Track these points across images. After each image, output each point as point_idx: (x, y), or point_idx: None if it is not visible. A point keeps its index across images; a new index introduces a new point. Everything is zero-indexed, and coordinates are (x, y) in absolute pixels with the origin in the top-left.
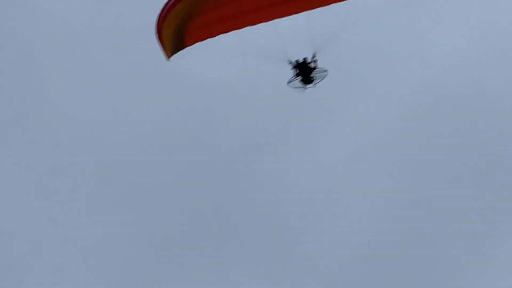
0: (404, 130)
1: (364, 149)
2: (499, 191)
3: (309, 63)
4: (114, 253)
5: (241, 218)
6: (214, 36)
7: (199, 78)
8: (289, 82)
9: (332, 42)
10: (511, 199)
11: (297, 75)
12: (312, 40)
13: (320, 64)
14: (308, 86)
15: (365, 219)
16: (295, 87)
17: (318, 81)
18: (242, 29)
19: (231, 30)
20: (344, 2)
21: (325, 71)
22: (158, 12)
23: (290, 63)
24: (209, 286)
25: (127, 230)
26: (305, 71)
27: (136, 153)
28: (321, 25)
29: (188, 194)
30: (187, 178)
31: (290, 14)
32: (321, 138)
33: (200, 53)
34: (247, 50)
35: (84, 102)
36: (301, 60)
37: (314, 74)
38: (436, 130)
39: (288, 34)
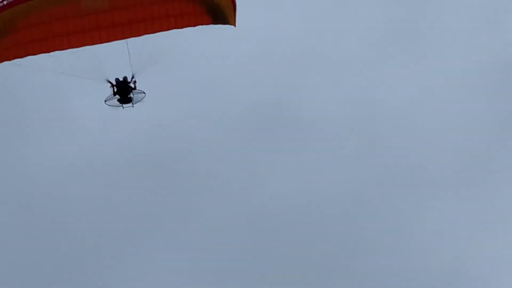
0: None
1: None
2: None
3: (129, 82)
4: None
5: None
6: (23, 56)
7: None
8: (106, 100)
9: (152, 66)
10: None
11: (115, 93)
12: (132, 62)
13: (139, 87)
14: (126, 105)
15: None
16: (112, 105)
17: (136, 101)
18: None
19: (40, 53)
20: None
21: (143, 93)
22: None
23: (109, 81)
24: None
25: None
26: (123, 90)
27: None
28: (141, 49)
29: None
30: None
31: (99, 43)
32: None
33: (16, 70)
34: (64, 68)
35: None
36: (121, 78)
37: (132, 94)
38: None
39: (108, 54)
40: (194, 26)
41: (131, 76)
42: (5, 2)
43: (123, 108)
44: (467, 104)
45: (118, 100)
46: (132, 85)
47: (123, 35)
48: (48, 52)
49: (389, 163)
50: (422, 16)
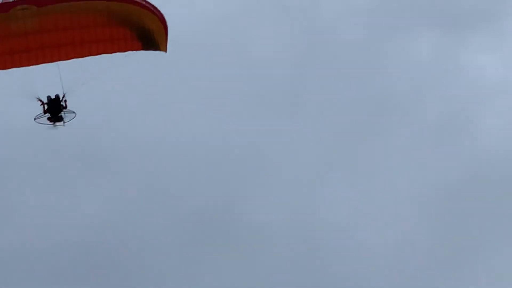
0: None
1: None
2: None
3: (60, 101)
4: None
5: None
6: None
7: None
8: (36, 118)
9: (83, 87)
10: None
11: (46, 112)
12: (63, 82)
13: (70, 106)
14: (57, 124)
15: None
16: (43, 124)
17: (66, 120)
18: None
19: None
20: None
21: (74, 112)
22: None
23: (39, 100)
24: None
25: None
26: (55, 109)
27: None
28: (72, 70)
29: None
30: None
31: (27, 65)
32: None
33: None
34: None
35: None
36: (53, 96)
37: (63, 113)
38: None
39: (39, 73)
40: (125, 51)
41: (62, 95)
42: None
43: (54, 126)
44: (406, 227)
45: (49, 119)
46: (63, 103)
47: (52, 58)
48: None
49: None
50: (369, 136)
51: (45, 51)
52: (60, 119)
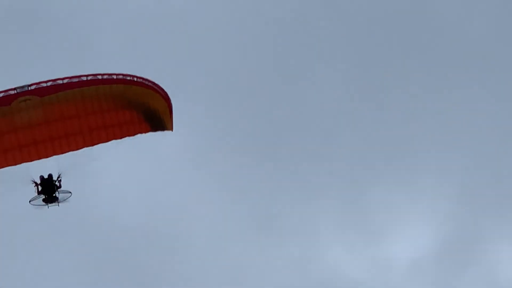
0: None
1: None
2: None
3: (54, 181)
4: None
5: None
6: None
7: None
8: (31, 201)
9: (77, 169)
10: None
11: (39, 192)
12: (58, 163)
13: (64, 186)
14: (51, 204)
15: None
16: (38, 205)
17: (61, 201)
18: None
19: None
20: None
21: (69, 192)
22: None
23: (33, 181)
24: None
25: None
26: (49, 189)
27: None
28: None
29: None
30: None
31: (37, 159)
32: None
33: None
34: None
35: None
36: (46, 175)
37: (58, 193)
38: None
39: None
40: (134, 135)
41: (57, 175)
42: None
43: (48, 207)
44: None
45: (43, 200)
46: (57, 183)
47: (62, 149)
48: None
49: None
50: None
51: (54, 142)
52: (55, 199)
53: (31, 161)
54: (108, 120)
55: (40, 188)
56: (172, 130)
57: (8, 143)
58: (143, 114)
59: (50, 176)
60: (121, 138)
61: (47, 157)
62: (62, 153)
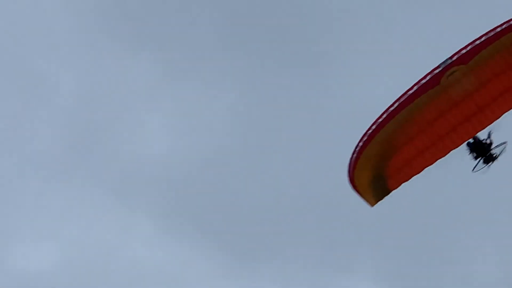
0: None
1: None
2: None
3: (484, 140)
4: None
5: None
6: (419, 172)
7: None
8: (474, 170)
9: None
10: None
11: (476, 157)
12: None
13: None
14: (490, 163)
15: None
16: (480, 169)
17: (498, 154)
18: None
19: (435, 160)
20: None
21: (504, 142)
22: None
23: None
24: None
25: None
26: (482, 150)
27: None
28: None
29: None
30: None
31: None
32: None
33: None
34: None
35: None
36: (475, 140)
37: (492, 149)
38: None
39: None
40: None
41: (487, 135)
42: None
43: (489, 167)
44: None
45: (483, 161)
46: (488, 141)
47: (500, 109)
48: (442, 156)
49: None
50: None
51: (492, 105)
52: (491, 157)
53: (475, 134)
54: None
55: (475, 154)
56: None
57: (454, 120)
58: None
59: (476, 139)
60: None
61: (490, 124)
62: (501, 114)
